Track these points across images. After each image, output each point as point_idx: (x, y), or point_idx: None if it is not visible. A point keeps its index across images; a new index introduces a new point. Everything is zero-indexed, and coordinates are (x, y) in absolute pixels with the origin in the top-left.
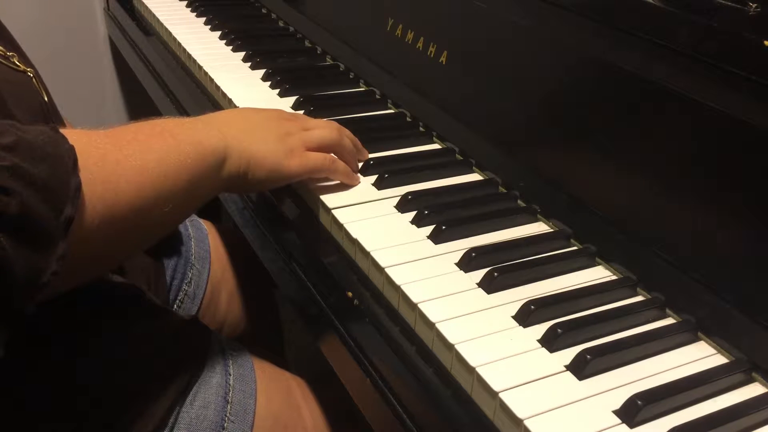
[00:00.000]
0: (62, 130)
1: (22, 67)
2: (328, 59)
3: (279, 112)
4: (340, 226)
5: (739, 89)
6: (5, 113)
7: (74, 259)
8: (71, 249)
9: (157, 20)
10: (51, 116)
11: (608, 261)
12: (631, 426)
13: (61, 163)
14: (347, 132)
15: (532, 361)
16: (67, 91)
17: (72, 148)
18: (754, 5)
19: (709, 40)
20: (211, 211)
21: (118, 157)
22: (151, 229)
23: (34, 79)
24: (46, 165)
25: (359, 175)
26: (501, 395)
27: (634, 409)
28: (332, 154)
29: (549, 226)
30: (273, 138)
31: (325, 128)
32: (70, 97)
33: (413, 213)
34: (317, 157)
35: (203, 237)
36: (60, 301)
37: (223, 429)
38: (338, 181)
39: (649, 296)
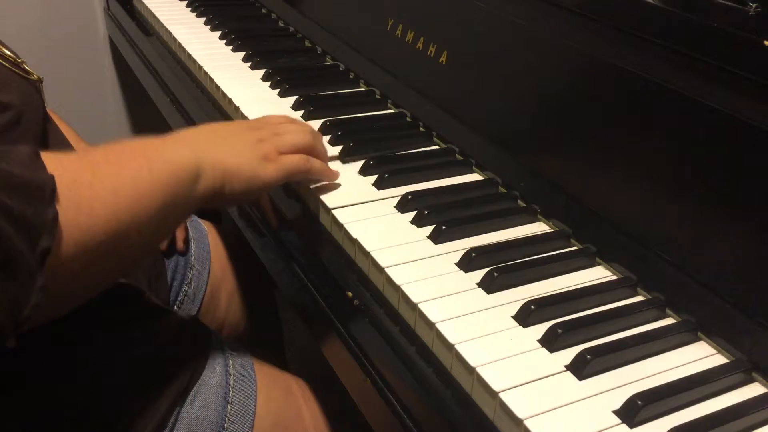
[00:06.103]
0: None
1: (32, 73)
2: (328, 59)
3: (248, 123)
4: (340, 226)
5: (739, 89)
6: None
7: (55, 289)
8: (50, 280)
9: (157, 20)
10: (49, 122)
11: (608, 261)
12: (631, 426)
13: (37, 192)
14: (319, 136)
15: (532, 361)
16: (68, 91)
17: (51, 178)
18: (754, 5)
19: (709, 39)
20: (211, 211)
21: (90, 179)
22: (131, 253)
23: (40, 85)
24: (23, 195)
25: (359, 175)
26: (501, 395)
27: (634, 409)
28: (305, 155)
29: (549, 226)
30: (246, 147)
31: (297, 132)
32: (71, 97)
33: (413, 213)
34: (292, 159)
35: (203, 238)
36: None
37: (223, 429)
38: (318, 179)
39: (649, 296)
